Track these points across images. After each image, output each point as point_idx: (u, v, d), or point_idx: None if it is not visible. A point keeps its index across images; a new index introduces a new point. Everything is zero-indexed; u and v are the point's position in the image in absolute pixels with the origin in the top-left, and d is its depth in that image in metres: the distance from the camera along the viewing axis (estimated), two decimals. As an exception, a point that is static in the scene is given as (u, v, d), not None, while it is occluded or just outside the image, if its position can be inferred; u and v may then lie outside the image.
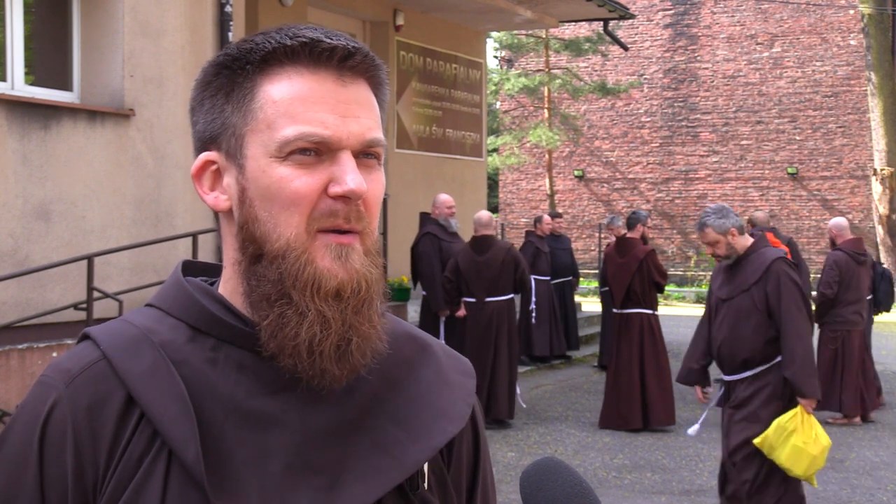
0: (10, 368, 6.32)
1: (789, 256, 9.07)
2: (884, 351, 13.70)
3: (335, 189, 1.09)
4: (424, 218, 9.53)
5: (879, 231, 21.24)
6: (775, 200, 23.87)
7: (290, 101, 1.10)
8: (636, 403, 8.89)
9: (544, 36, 21.92)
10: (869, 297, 9.78)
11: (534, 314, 11.40)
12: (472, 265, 8.78)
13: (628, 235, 9.53)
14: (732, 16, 24.47)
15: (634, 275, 9.06)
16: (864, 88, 22.58)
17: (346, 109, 1.11)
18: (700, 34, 24.78)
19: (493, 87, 22.98)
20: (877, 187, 21.21)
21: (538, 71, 23.04)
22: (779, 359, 5.26)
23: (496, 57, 26.43)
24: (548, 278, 11.96)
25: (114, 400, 1.09)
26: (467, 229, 10.11)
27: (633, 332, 9.05)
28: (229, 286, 1.16)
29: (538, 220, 12.45)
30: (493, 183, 27.15)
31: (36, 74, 7.73)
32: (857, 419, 9.29)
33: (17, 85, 7.05)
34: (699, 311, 20.09)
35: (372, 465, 1.12)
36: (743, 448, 5.30)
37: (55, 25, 7.73)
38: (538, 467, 1.14)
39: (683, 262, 24.77)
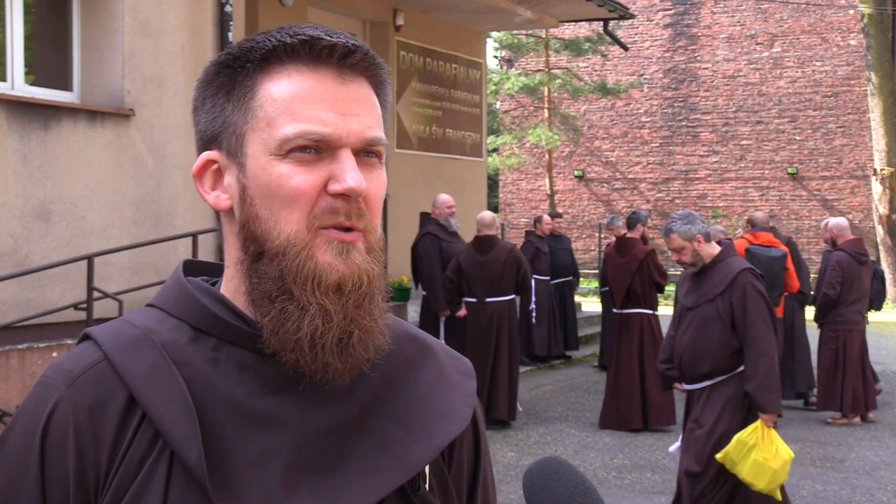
0: (10, 368, 6.32)
1: (789, 257, 9.18)
2: (884, 351, 13.70)
3: (335, 187, 1.09)
4: (424, 218, 9.53)
5: (879, 231, 21.24)
6: (775, 200, 23.88)
7: (289, 98, 1.10)
8: (636, 403, 8.89)
9: (544, 36, 21.92)
10: None
11: (534, 314, 11.40)
12: (475, 265, 8.78)
13: (628, 235, 9.53)
14: (732, 16, 24.47)
15: (634, 275, 9.06)
16: (864, 88, 22.58)
17: (346, 107, 1.11)
18: (700, 34, 24.78)
19: (493, 87, 22.98)
20: (877, 187, 21.21)
21: (538, 71, 23.05)
22: (740, 369, 5.19)
23: (496, 57, 26.44)
24: (547, 278, 11.96)
25: (115, 401, 1.09)
26: (467, 229, 10.11)
27: (633, 332, 9.05)
28: (231, 286, 1.16)
29: (538, 220, 12.45)
30: (493, 183, 27.15)
31: (36, 74, 7.73)
32: (857, 419, 9.30)
33: (17, 85, 7.05)
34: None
35: (373, 464, 1.11)
36: (709, 465, 5.20)
37: (55, 25, 7.73)
38: (541, 466, 1.14)
39: (683, 262, 24.74)
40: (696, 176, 24.76)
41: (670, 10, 25.01)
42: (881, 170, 20.99)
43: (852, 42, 23.28)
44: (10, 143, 6.64)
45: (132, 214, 7.40)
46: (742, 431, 5.08)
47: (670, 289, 18.13)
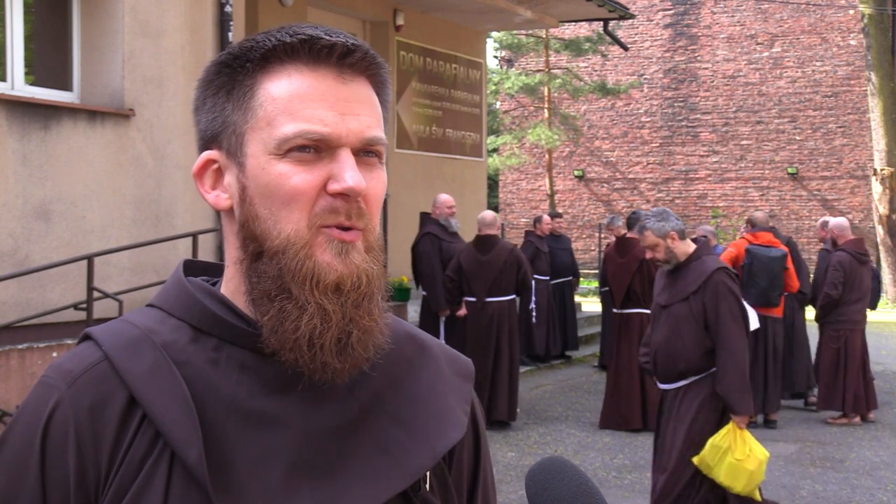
0: (10, 368, 6.32)
1: (789, 258, 9.18)
2: (884, 351, 13.70)
3: (334, 186, 1.09)
4: (424, 218, 9.52)
5: (879, 231, 21.24)
6: (775, 200, 23.88)
7: (289, 98, 1.10)
8: (636, 403, 8.89)
9: (544, 36, 21.92)
10: None
11: (534, 314, 11.40)
12: (475, 264, 8.78)
13: (628, 235, 9.53)
14: (732, 16, 24.47)
15: (634, 275, 9.06)
16: (864, 88, 22.59)
17: (346, 107, 1.11)
18: (700, 34, 24.78)
19: (493, 87, 22.98)
20: (877, 187, 21.21)
21: (538, 71, 23.05)
22: (713, 370, 5.14)
23: (496, 57, 26.44)
24: (547, 278, 11.96)
25: (116, 401, 1.09)
26: (467, 229, 10.11)
27: (633, 332, 9.05)
28: (231, 286, 1.16)
29: (538, 220, 12.46)
30: (493, 183, 27.15)
31: (36, 74, 7.73)
32: (857, 419, 9.30)
33: (17, 85, 7.05)
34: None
35: (374, 466, 1.11)
36: (686, 467, 5.16)
37: (55, 25, 7.73)
38: (544, 467, 1.14)
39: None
40: (696, 176, 24.77)
41: (670, 10, 25.02)
42: (881, 170, 20.99)
43: (852, 42, 23.28)
44: (10, 143, 6.64)
45: (132, 214, 7.40)
46: (715, 435, 5.04)
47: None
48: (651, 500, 5.47)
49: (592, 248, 24.55)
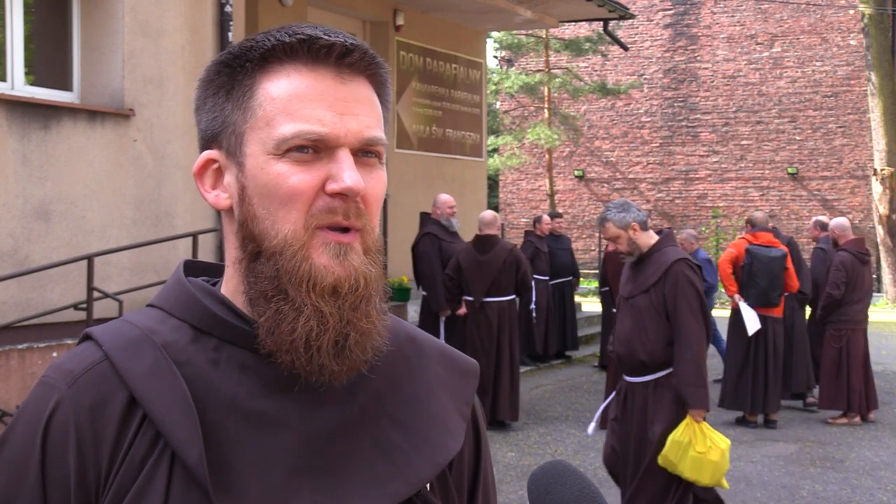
0: (10, 368, 6.32)
1: (789, 258, 9.18)
2: (884, 351, 13.70)
3: (332, 186, 1.09)
4: (424, 218, 9.52)
5: (879, 231, 21.24)
6: (775, 200, 23.88)
7: (288, 98, 1.10)
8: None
9: (544, 36, 21.91)
10: None
11: (534, 314, 11.40)
12: (474, 264, 8.76)
13: (628, 235, 9.51)
14: (732, 16, 24.47)
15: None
16: (864, 88, 22.58)
17: (345, 107, 1.11)
18: (700, 34, 24.78)
19: (493, 87, 22.98)
20: (877, 187, 21.21)
21: (538, 71, 23.04)
22: None
23: (496, 57, 26.43)
24: (546, 278, 11.96)
25: (116, 401, 1.08)
26: (467, 229, 10.11)
27: (634, 333, 9.03)
28: (231, 286, 1.16)
29: (538, 220, 12.45)
30: (493, 183, 27.15)
31: (36, 74, 7.73)
32: (857, 419, 9.30)
33: (17, 85, 7.05)
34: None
35: (374, 470, 1.11)
36: (652, 468, 5.10)
37: (55, 25, 7.73)
38: (546, 471, 1.14)
39: (683, 262, 24.74)
40: (696, 176, 24.77)
41: (670, 10, 25.02)
42: (881, 170, 20.99)
43: (852, 42, 23.27)
44: (10, 143, 6.64)
45: (132, 214, 7.40)
46: (674, 431, 4.98)
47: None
48: (625, 494, 5.34)
49: (592, 248, 24.54)
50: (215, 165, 1.16)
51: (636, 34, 25.01)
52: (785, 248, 9.28)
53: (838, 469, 7.59)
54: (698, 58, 24.79)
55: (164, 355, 1.10)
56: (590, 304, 16.94)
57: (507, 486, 6.88)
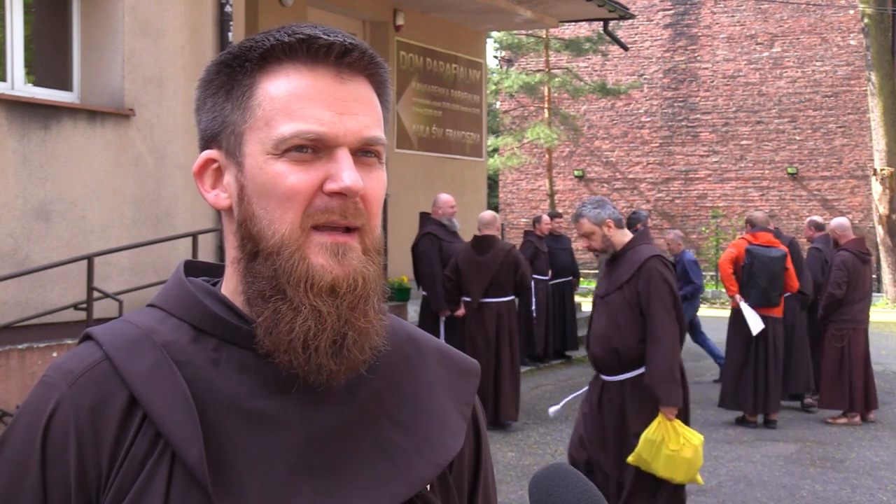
0: (10, 368, 6.32)
1: (789, 258, 9.17)
2: (884, 351, 13.71)
3: (331, 186, 1.09)
4: (424, 218, 9.52)
5: (879, 231, 21.24)
6: (775, 200, 23.88)
7: (287, 97, 1.10)
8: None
9: (544, 36, 21.91)
10: None
11: (535, 315, 11.39)
12: (472, 265, 8.75)
13: (628, 235, 9.50)
14: (732, 16, 24.47)
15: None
16: (864, 88, 22.58)
17: (344, 106, 1.11)
18: (700, 34, 24.78)
19: (493, 87, 22.98)
20: (877, 187, 21.21)
21: (538, 71, 23.04)
22: None
23: (496, 57, 26.43)
24: (546, 278, 11.96)
25: (116, 401, 1.08)
26: (467, 229, 10.10)
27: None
28: (231, 285, 1.16)
29: (537, 220, 12.45)
30: (493, 183, 27.15)
31: (36, 74, 7.73)
32: (857, 418, 9.30)
33: (17, 85, 7.05)
34: (699, 311, 20.07)
35: (375, 470, 1.11)
36: (627, 469, 5.07)
37: (55, 25, 7.73)
38: (548, 473, 1.14)
39: (683, 262, 24.75)
40: (696, 176, 24.77)
41: (670, 10, 25.02)
42: (881, 170, 20.99)
43: (852, 42, 23.28)
44: (10, 143, 6.64)
45: (132, 214, 7.40)
46: (647, 429, 4.94)
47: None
48: (623, 497, 5.25)
49: (592, 248, 24.51)
50: (215, 165, 1.16)
51: (636, 34, 25.01)
52: (785, 248, 9.28)
53: (838, 469, 7.59)
54: (698, 58, 24.79)
55: (165, 355, 1.10)
56: (590, 304, 16.92)
57: (507, 486, 6.88)
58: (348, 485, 1.10)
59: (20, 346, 6.40)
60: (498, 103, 26.67)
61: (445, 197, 9.41)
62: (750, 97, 24.22)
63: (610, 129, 25.59)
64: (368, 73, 1.15)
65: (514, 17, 13.37)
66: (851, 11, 23.13)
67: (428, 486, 1.15)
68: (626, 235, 5.19)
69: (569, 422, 9.21)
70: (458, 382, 1.23)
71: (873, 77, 21.05)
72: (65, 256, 6.76)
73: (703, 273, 23.87)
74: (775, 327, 9.12)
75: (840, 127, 23.47)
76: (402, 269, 10.65)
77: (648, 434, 4.93)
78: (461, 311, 8.86)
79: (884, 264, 21.03)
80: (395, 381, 1.18)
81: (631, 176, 25.37)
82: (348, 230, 1.11)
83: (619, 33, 21.78)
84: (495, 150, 23.74)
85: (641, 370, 5.05)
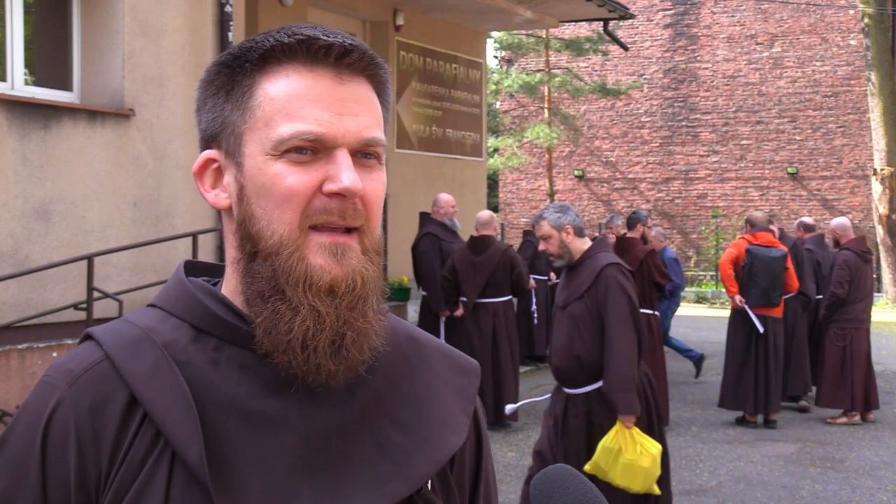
0: (10, 368, 6.32)
1: (789, 260, 9.17)
2: (884, 351, 13.71)
3: (329, 187, 1.09)
4: (424, 218, 9.52)
5: (879, 231, 21.24)
6: (775, 200, 23.88)
7: (286, 98, 1.10)
8: (636, 403, 8.87)
9: (544, 36, 21.92)
10: None
11: (535, 315, 11.39)
12: (468, 265, 8.74)
13: (628, 235, 9.52)
14: (732, 16, 24.47)
15: (634, 274, 9.02)
16: (864, 88, 22.59)
17: (343, 107, 1.11)
18: (700, 34, 24.78)
19: (493, 87, 22.98)
20: (877, 187, 21.21)
21: (538, 71, 23.04)
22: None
23: (496, 57, 26.43)
24: (546, 278, 11.96)
25: (116, 400, 1.09)
26: (467, 229, 10.10)
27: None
28: (231, 286, 1.16)
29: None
30: (493, 183, 27.15)
31: (36, 74, 7.73)
32: (857, 418, 9.30)
33: (17, 85, 7.05)
34: (699, 310, 20.10)
35: (375, 470, 1.11)
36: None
37: (55, 25, 7.73)
38: (549, 475, 1.14)
39: (683, 262, 24.76)
40: (696, 176, 24.77)
41: (670, 10, 25.02)
42: (881, 170, 20.99)
43: (852, 42, 23.28)
44: (10, 143, 6.64)
45: (132, 214, 7.40)
46: (605, 437, 4.87)
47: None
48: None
49: (592, 248, 24.51)
50: (215, 165, 1.16)
51: (636, 34, 25.01)
52: (785, 248, 9.28)
53: (838, 469, 7.59)
54: (698, 58, 24.79)
55: (165, 355, 1.10)
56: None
57: (507, 486, 6.88)
58: (348, 484, 1.10)
59: (20, 346, 6.40)
60: (498, 103, 26.67)
61: (446, 197, 9.41)
62: (750, 97, 24.22)
63: (610, 129, 25.59)
64: (368, 73, 1.15)
65: (514, 17, 13.37)
66: (851, 11, 23.13)
67: (429, 486, 1.15)
68: (585, 244, 5.11)
69: (569, 422, 9.21)
70: (459, 382, 1.24)
71: (873, 77, 21.05)
72: (65, 256, 6.76)
73: (703, 273, 23.97)
74: (776, 327, 9.12)
75: (840, 127, 23.47)
76: (402, 269, 10.65)
77: (606, 442, 4.86)
78: (459, 311, 8.86)
79: (884, 264, 21.02)
80: (395, 380, 1.18)
81: (631, 176, 25.37)
82: (348, 231, 1.11)
83: (619, 33, 21.79)
84: (496, 151, 23.74)
85: (600, 384, 4.96)
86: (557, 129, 22.33)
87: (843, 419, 9.28)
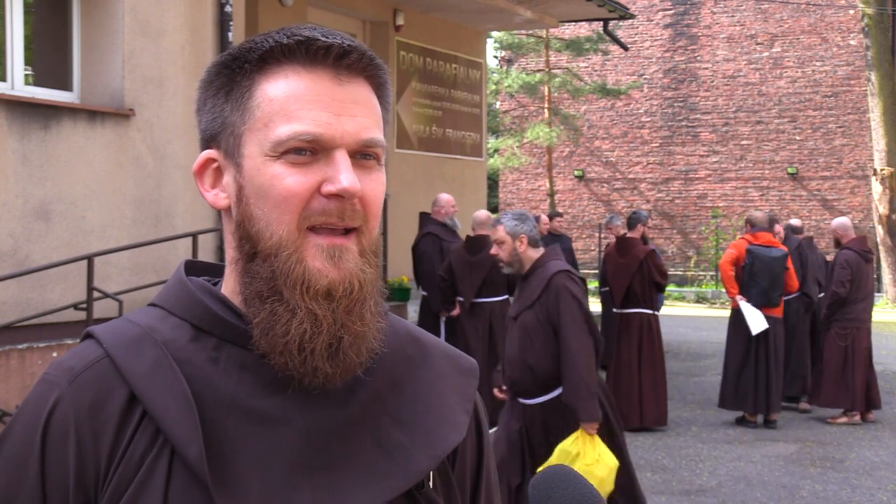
0: (10, 368, 6.32)
1: (789, 260, 9.17)
2: (884, 351, 13.71)
3: (328, 188, 1.09)
4: (424, 218, 9.52)
5: (879, 231, 21.24)
6: (775, 200, 23.88)
7: (285, 99, 1.11)
8: (635, 403, 8.89)
9: (544, 36, 21.92)
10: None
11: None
12: (464, 265, 8.74)
13: (628, 235, 9.52)
14: (732, 16, 24.47)
15: (634, 275, 9.05)
16: (864, 88, 22.58)
17: (342, 108, 1.11)
18: (700, 34, 24.78)
19: (493, 87, 22.98)
20: (877, 187, 21.22)
21: (538, 71, 23.04)
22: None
23: (496, 57, 26.43)
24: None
25: (116, 398, 1.09)
26: (467, 229, 10.10)
27: (633, 332, 9.04)
28: (230, 285, 1.16)
29: (536, 219, 12.43)
30: (493, 183, 27.15)
31: (36, 74, 7.73)
32: (857, 417, 9.30)
33: (17, 85, 7.05)
34: (699, 311, 20.10)
35: (375, 467, 1.12)
36: None
37: (55, 25, 7.73)
38: (547, 475, 1.15)
39: (683, 262, 24.77)
40: (696, 176, 24.77)
41: (670, 10, 25.02)
42: (881, 170, 20.99)
43: (852, 42, 23.28)
44: (10, 143, 6.64)
45: (132, 214, 7.40)
46: (564, 441, 4.82)
47: (670, 289, 17.99)
48: None
49: (592, 248, 24.54)
50: (214, 165, 1.17)
51: (636, 34, 25.01)
52: (785, 248, 9.29)
53: (838, 469, 7.59)
54: (698, 58, 24.79)
55: (165, 353, 1.10)
56: (590, 304, 16.90)
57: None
58: (348, 483, 1.10)
59: (20, 346, 6.40)
60: (498, 103, 26.67)
61: (446, 197, 9.41)
62: (750, 97, 24.22)
63: (610, 129, 25.60)
64: (367, 74, 1.15)
65: (514, 17, 13.37)
66: (851, 11, 23.13)
67: (430, 483, 1.16)
68: (538, 254, 5.09)
69: (569, 422, 9.21)
70: (459, 381, 1.24)
71: (873, 77, 21.05)
72: (65, 256, 6.76)
73: (703, 273, 23.96)
74: (776, 327, 9.12)
75: (840, 127, 23.47)
76: (401, 269, 10.65)
77: (565, 445, 4.80)
78: (456, 311, 8.85)
79: (884, 264, 21.03)
80: (396, 380, 1.18)
81: (631, 176, 25.37)
82: (346, 232, 1.11)
83: (619, 33, 21.78)
84: (496, 151, 23.74)
85: (560, 390, 4.91)
86: (557, 130, 22.33)
87: (844, 419, 9.28)
